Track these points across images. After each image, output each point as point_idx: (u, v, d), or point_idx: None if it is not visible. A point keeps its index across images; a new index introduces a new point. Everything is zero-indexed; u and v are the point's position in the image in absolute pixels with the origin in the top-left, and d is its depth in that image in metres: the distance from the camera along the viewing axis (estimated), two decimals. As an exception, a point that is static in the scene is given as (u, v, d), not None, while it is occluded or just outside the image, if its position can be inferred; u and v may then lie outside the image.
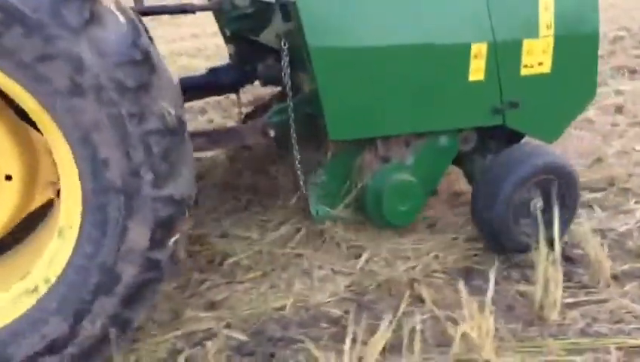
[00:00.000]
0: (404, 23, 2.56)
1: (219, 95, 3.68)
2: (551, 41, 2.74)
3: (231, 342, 2.48)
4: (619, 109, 5.14)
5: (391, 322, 2.33)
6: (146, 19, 2.70)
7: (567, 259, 2.83)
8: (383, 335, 2.29)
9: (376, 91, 2.60)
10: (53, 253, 1.96)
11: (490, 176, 2.78)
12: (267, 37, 2.99)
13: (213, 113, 5.14)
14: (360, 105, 2.61)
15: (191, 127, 4.58)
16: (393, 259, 2.98)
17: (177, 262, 2.11)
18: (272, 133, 2.75)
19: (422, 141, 2.89)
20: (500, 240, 2.79)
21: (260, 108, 3.69)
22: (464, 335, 2.37)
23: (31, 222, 2.32)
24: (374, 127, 2.71)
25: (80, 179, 1.84)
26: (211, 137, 2.72)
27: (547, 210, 2.75)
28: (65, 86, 1.73)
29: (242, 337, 2.50)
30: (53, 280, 1.93)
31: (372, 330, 2.35)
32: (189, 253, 3.00)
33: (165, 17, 3.60)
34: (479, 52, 2.65)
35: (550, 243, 2.59)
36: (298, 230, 3.16)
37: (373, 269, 2.92)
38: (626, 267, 2.81)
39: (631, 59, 6.84)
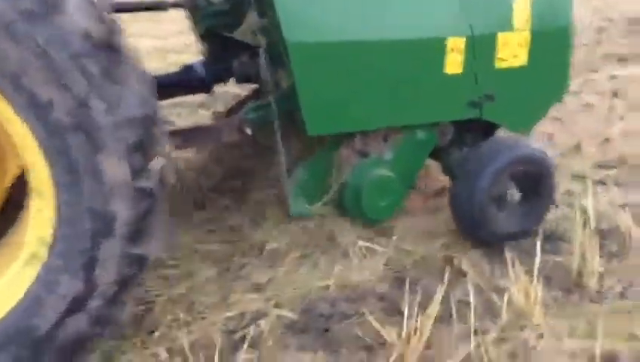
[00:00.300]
0: (381, 17, 2.58)
1: (193, 93, 3.63)
2: (526, 34, 2.79)
3: (282, 321, 2.55)
4: (615, 94, 5.33)
5: (440, 294, 2.42)
6: (125, 16, 2.72)
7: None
8: (435, 307, 2.38)
9: (354, 86, 2.62)
10: (37, 215, 1.87)
11: (468, 168, 2.84)
12: (242, 33, 2.96)
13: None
14: (337, 99, 2.63)
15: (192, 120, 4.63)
16: (425, 236, 3.08)
17: (167, 186, 2.01)
18: (248, 131, 2.73)
19: (400, 135, 2.92)
20: (477, 231, 2.86)
21: (237, 107, 3.68)
22: (510, 304, 2.49)
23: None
24: (352, 122, 2.73)
25: (30, 130, 1.71)
26: (186, 136, 2.68)
27: (524, 201, 2.86)
28: None
29: (292, 315, 2.57)
30: (49, 240, 1.84)
31: (420, 304, 2.44)
32: (228, 241, 3.05)
33: (145, 14, 3.59)
34: (456, 46, 2.69)
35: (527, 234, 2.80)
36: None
37: (406, 248, 3.01)
38: (653, 235, 2.95)
39: (618, 47, 7.06)
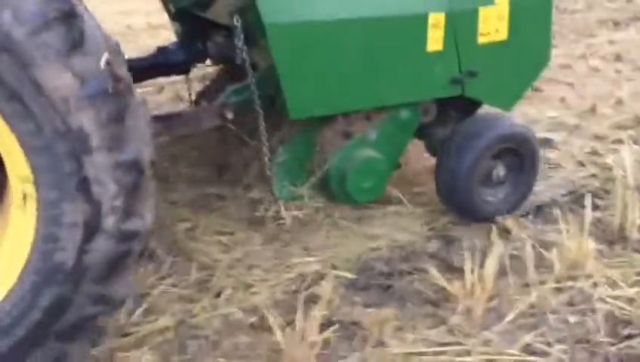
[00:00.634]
0: None
1: (168, 75, 3.49)
2: (506, 7, 2.75)
3: (341, 281, 2.66)
4: (618, 57, 5.50)
5: (498, 248, 2.55)
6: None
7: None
8: (493, 260, 2.51)
9: (335, 67, 2.56)
10: (8, 155, 1.75)
11: (453, 147, 2.84)
12: (216, 13, 2.87)
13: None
14: (319, 81, 2.57)
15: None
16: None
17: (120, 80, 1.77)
18: (230, 116, 2.64)
19: (383, 115, 2.87)
20: (465, 209, 2.90)
21: (207, 89, 3.61)
22: (561, 256, 2.64)
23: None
24: (335, 104, 2.68)
25: None
26: (165, 122, 2.59)
27: (508, 178, 2.92)
28: None
29: (351, 275, 2.68)
30: (29, 175, 1.72)
31: (472, 260, 2.55)
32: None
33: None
34: (437, 22, 2.63)
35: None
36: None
37: (444, 209, 3.13)
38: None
39: (610, 12, 7.24)
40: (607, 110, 4.23)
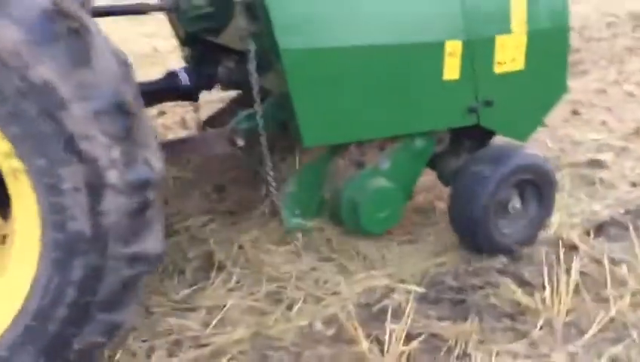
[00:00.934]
0: (377, 22, 2.49)
1: (177, 100, 3.46)
2: (523, 36, 2.73)
3: (411, 295, 2.66)
4: (652, 83, 5.58)
5: (577, 263, 2.57)
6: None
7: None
8: (573, 274, 2.53)
9: (351, 94, 2.52)
10: None
11: (469, 177, 2.79)
12: (228, 38, 2.83)
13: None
14: (334, 109, 2.52)
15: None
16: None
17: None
18: (240, 142, 2.57)
19: (397, 144, 2.82)
20: (478, 241, 2.81)
21: (219, 114, 3.57)
22: (635, 273, 2.65)
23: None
24: (349, 132, 2.63)
25: None
26: (175, 148, 2.54)
27: (524, 210, 2.88)
28: None
29: (420, 289, 2.69)
30: (9, 150, 1.63)
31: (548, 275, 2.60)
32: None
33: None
34: (454, 50, 2.61)
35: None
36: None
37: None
38: None
39: (635, 40, 7.34)
40: (651, 132, 4.28)
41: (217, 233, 3.11)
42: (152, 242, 1.82)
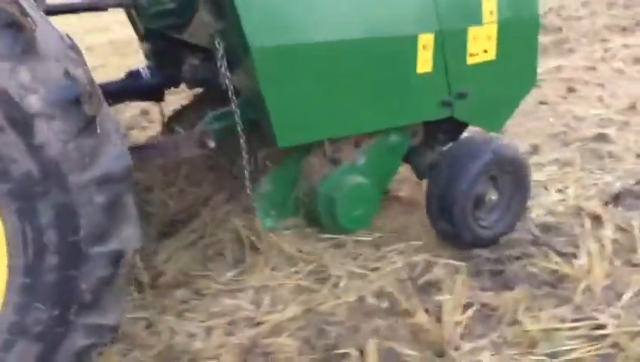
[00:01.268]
0: (349, 16, 2.46)
1: (141, 100, 3.35)
2: (494, 27, 2.73)
3: (450, 268, 2.78)
4: (637, 60, 5.80)
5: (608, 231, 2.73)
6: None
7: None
8: (606, 241, 2.69)
9: (325, 91, 2.49)
10: None
11: (445, 172, 2.80)
12: (192, 34, 2.78)
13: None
14: (308, 107, 2.49)
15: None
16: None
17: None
18: (211, 144, 2.46)
19: (372, 140, 2.82)
20: (459, 234, 2.82)
21: (183, 111, 3.49)
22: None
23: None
24: (324, 130, 2.61)
25: None
26: (141, 153, 2.41)
27: (500, 201, 2.90)
28: None
29: (459, 263, 2.81)
30: None
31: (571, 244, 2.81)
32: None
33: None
34: (427, 43, 2.60)
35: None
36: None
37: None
38: None
39: (613, 18, 7.59)
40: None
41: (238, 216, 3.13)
42: (111, 162, 1.71)
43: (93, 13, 3.25)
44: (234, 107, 2.45)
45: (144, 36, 3.28)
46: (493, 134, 3.09)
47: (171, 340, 2.40)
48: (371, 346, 2.27)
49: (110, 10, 3.28)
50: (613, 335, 2.31)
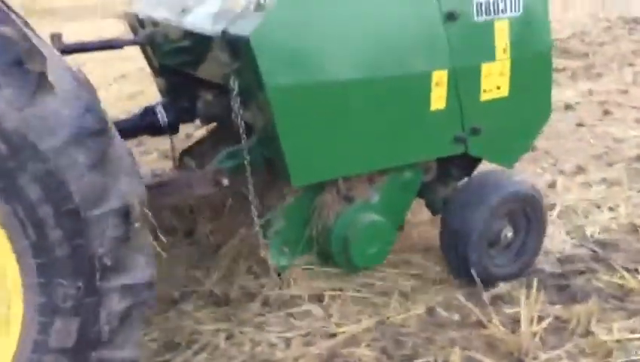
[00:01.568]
0: (363, 55, 2.48)
1: (156, 135, 3.36)
2: (507, 63, 2.76)
3: (515, 283, 2.87)
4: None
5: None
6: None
7: None
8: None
9: (340, 130, 2.51)
10: None
11: (460, 209, 2.81)
12: (206, 71, 2.81)
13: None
14: (322, 146, 2.50)
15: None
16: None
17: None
18: (225, 182, 2.51)
19: (385, 177, 2.82)
20: (470, 270, 2.77)
21: (196, 147, 3.50)
22: None
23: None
24: (339, 168, 2.62)
25: None
26: (157, 191, 2.42)
27: (516, 239, 2.89)
28: None
29: (522, 278, 2.91)
30: None
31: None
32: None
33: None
34: (440, 80, 2.63)
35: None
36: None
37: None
38: None
39: (635, 43, 7.76)
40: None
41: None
42: (82, 117, 1.61)
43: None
44: (245, 147, 2.48)
45: (159, 72, 3.31)
46: (507, 170, 3.09)
47: (252, 350, 2.47)
48: (455, 355, 2.34)
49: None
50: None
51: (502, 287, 2.83)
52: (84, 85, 1.67)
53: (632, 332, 2.50)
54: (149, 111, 3.15)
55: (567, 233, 3.33)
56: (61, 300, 1.65)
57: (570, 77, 6.44)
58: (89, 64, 5.47)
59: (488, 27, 2.70)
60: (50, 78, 1.55)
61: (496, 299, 2.76)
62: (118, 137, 1.73)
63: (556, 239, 3.25)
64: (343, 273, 2.89)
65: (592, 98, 5.65)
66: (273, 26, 2.29)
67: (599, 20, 9.27)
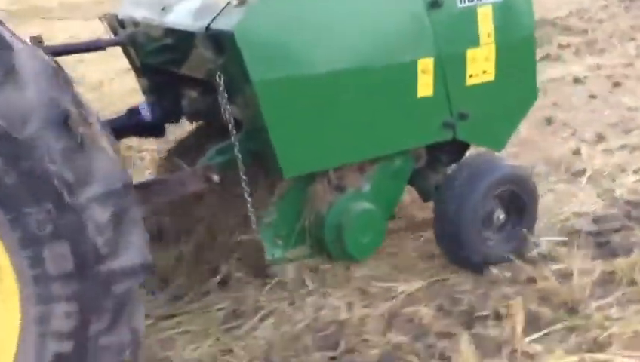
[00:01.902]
0: (348, 46, 2.51)
1: (141, 136, 3.39)
2: (492, 47, 2.81)
3: (556, 242, 3.03)
4: None
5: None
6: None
7: None
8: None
9: (328, 120, 2.53)
10: None
11: (453, 192, 2.82)
12: (189, 68, 2.79)
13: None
14: (312, 137, 2.53)
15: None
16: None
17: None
18: (216, 178, 2.49)
19: (376, 166, 2.84)
20: (465, 254, 2.82)
21: (182, 145, 3.49)
22: None
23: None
24: (329, 159, 2.65)
25: None
26: (148, 190, 2.44)
27: (509, 221, 2.92)
28: None
29: (562, 238, 3.07)
30: None
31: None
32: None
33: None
34: (426, 67, 2.66)
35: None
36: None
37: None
38: None
39: (633, 19, 7.94)
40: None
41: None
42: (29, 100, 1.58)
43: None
44: (234, 141, 2.47)
45: (141, 72, 3.30)
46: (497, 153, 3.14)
47: (316, 314, 2.61)
48: (512, 308, 2.50)
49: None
50: None
51: (544, 247, 2.98)
52: (57, 74, 1.67)
53: (676, 280, 2.67)
54: (134, 111, 3.16)
55: (598, 195, 3.49)
56: (37, 228, 1.61)
57: (574, 53, 6.60)
58: (87, 58, 5.47)
59: (472, 13, 2.75)
60: (19, 67, 1.56)
61: (543, 258, 2.91)
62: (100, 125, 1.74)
63: (588, 201, 3.41)
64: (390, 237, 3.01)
65: (600, 72, 5.82)
66: (257, 19, 2.32)
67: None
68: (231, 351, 2.48)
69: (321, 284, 2.80)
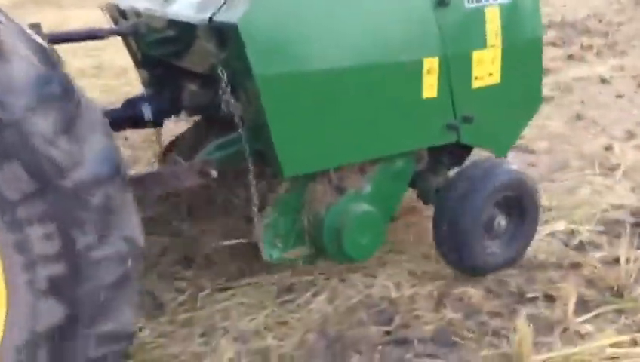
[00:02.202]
0: (353, 43, 2.46)
1: (139, 128, 3.30)
2: (499, 50, 2.78)
3: (594, 233, 3.13)
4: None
5: None
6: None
7: None
8: None
9: (331, 119, 2.48)
10: None
11: (453, 195, 2.78)
12: (190, 61, 2.77)
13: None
14: (313, 136, 2.48)
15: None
16: None
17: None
18: (214, 173, 2.45)
19: (377, 166, 2.79)
20: (464, 260, 2.77)
21: (180, 140, 3.49)
22: None
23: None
24: (331, 158, 2.59)
25: None
26: (143, 183, 2.42)
27: (510, 227, 2.86)
28: None
29: (600, 228, 3.16)
30: None
31: None
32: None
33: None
34: (431, 67, 2.63)
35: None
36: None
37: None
38: None
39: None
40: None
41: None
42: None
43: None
44: (242, 133, 2.43)
45: (141, 63, 3.28)
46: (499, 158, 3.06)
47: (366, 291, 2.70)
48: (560, 290, 2.59)
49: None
50: None
51: (584, 236, 3.07)
52: (47, 53, 1.65)
53: None
54: (131, 103, 3.10)
55: (632, 189, 3.59)
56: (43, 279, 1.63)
57: (596, 54, 6.72)
58: (112, 44, 5.48)
59: (479, 13, 2.71)
60: (6, 45, 1.55)
61: (586, 245, 3.00)
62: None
63: (625, 195, 3.51)
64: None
65: (625, 73, 5.93)
66: (262, 12, 2.26)
67: (611, 3, 9.61)
68: (286, 322, 2.55)
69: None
